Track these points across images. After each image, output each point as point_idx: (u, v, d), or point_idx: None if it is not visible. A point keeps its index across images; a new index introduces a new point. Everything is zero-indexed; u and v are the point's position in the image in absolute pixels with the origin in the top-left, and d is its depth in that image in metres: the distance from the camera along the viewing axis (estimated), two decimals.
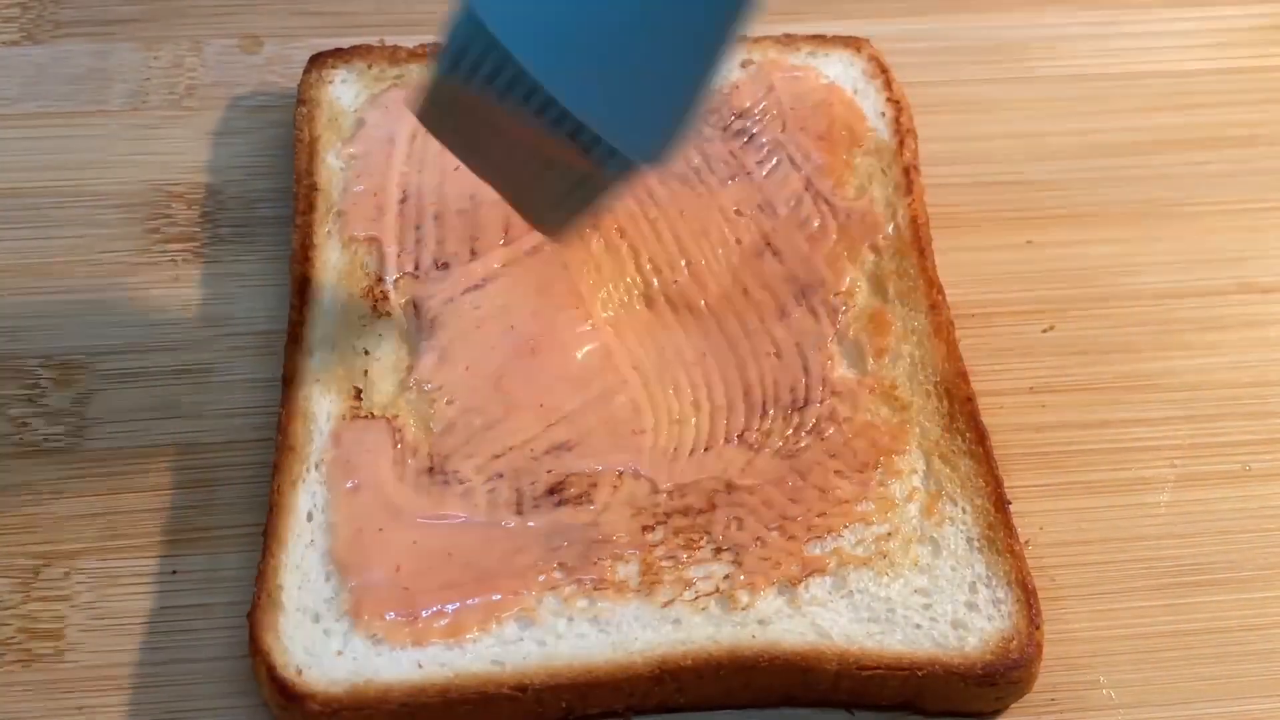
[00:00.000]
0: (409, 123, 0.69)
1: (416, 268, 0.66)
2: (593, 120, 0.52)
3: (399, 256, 0.67)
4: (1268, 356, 0.68)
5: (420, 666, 0.56)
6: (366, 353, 0.64)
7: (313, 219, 0.68)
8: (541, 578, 0.58)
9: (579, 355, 0.64)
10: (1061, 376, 0.67)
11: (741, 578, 0.58)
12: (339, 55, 0.74)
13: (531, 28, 0.51)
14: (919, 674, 0.56)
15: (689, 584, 0.58)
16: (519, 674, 0.56)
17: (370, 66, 0.74)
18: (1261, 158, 0.75)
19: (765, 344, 0.65)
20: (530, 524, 0.59)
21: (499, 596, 0.57)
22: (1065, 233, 0.72)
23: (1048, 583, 0.60)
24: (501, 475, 0.61)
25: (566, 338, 0.64)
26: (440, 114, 0.56)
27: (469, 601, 0.57)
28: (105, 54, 0.77)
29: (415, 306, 0.65)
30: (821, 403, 0.63)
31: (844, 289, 0.67)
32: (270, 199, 0.72)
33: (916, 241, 0.68)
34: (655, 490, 0.61)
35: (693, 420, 0.63)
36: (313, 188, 0.69)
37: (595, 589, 0.58)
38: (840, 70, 0.75)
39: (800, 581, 0.58)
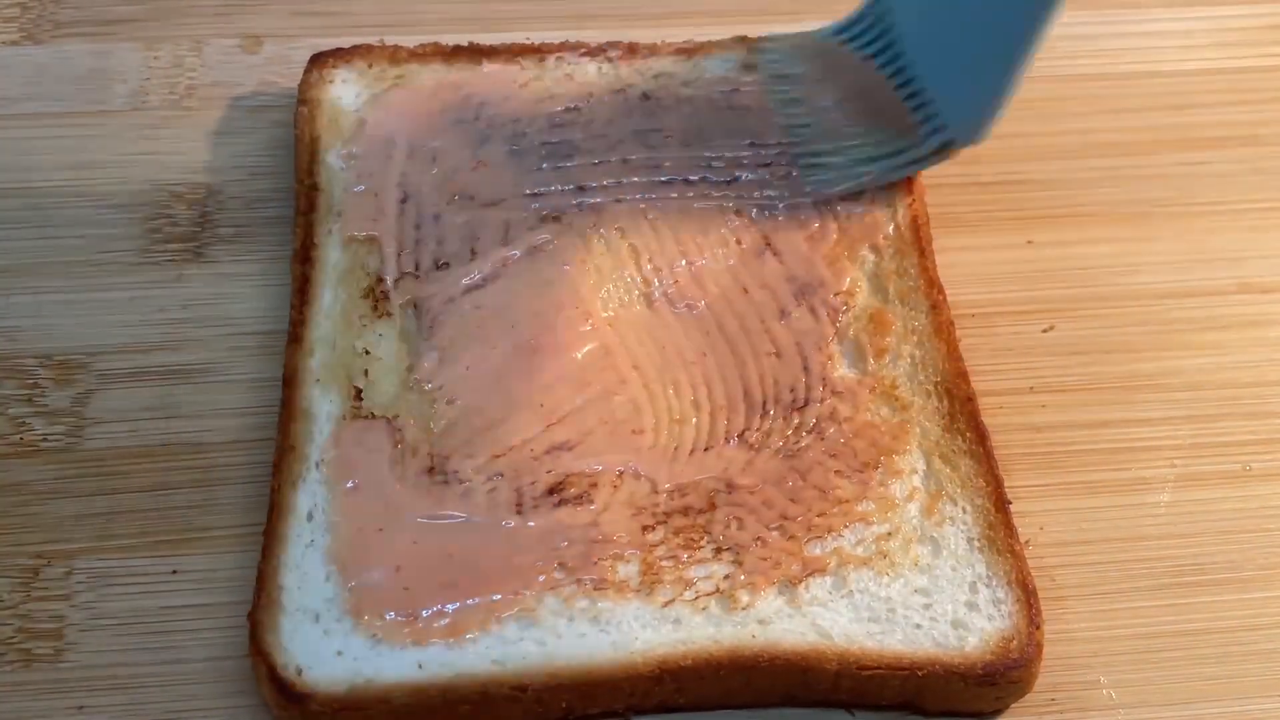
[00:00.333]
0: (409, 123, 0.69)
1: (417, 268, 0.66)
2: (935, 93, 0.67)
3: (399, 256, 0.67)
4: (1268, 356, 0.68)
5: (420, 666, 0.56)
6: (366, 353, 0.64)
7: (313, 219, 0.68)
8: (541, 578, 0.58)
9: (579, 355, 0.64)
10: (1061, 376, 0.67)
11: (742, 577, 0.58)
12: (339, 55, 0.74)
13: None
14: (919, 674, 0.56)
15: (689, 584, 0.58)
16: (519, 674, 0.56)
17: (370, 66, 0.74)
18: (1261, 158, 0.75)
19: (765, 344, 0.65)
20: (530, 524, 0.59)
21: (499, 596, 0.57)
22: (1065, 233, 0.72)
23: (1048, 583, 0.60)
24: (501, 475, 0.61)
25: (566, 338, 0.64)
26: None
27: (469, 601, 0.57)
28: (105, 54, 0.77)
29: (415, 306, 0.65)
30: (822, 402, 0.63)
31: (844, 289, 0.67)
32: (270, 199, 0.72)
33: (917, 241, 0.68)
34: (655, 490, 0.61)
35: (693, 420, 0.63)
36: (313, 188, 0.69)
37: (595, 589, 0.58)
38: None
39: (800, 581, 0.58)
